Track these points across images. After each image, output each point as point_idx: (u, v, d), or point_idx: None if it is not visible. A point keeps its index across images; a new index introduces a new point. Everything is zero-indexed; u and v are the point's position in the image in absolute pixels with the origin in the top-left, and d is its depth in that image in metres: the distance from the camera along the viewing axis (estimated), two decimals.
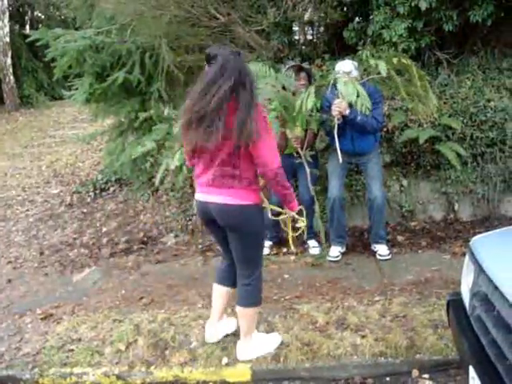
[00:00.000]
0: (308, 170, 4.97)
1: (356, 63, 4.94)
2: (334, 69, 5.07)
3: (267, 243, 5.54)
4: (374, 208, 5.12)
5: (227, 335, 3.81)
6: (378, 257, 5.13)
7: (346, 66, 4.80)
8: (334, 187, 5.11)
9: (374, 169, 5.11)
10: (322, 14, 6.52)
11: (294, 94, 4.91)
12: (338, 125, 4.67)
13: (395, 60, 4.43)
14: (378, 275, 4.79)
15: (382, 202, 5.12)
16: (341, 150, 4.70)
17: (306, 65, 5.37)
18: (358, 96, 4.28)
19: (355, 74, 4.78)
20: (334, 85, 4.74)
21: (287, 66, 5.20)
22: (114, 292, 4.98)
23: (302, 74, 5.13)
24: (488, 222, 5.78)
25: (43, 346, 4.00)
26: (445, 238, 5.51)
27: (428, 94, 4.72)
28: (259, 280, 3.46)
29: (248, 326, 3.52)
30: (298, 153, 5.06)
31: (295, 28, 6.93)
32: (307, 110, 4.48)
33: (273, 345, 3.62)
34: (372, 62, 4.42)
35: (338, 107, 4.65)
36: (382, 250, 5.15)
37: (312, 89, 4.51)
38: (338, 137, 4.68)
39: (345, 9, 6.36)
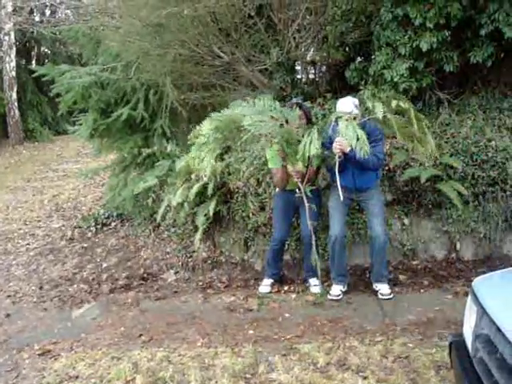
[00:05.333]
0: (307, 205, 4.98)
1: (357, 101, 4.99)
2: (335, 107, 5.11)
3: (268, 281, 5.52)
4: (375, 246, 5.10)
5: None
6: (379, 296, 5.08)
7: (346, 106, 4.84)
8: (336, 225, 5.11)
9: (376, 206, 5.11)
10: (324, 54, 6.62)
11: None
12: (339, 162, 4.71)
13: (394, 103, 4.50)
14: (380, 315, 4.75)
15: (384, 240, 5.11)
16: (342, 186, 4.73)
17: (304, 103, 5.42)
18: (357, 139, 4.34)
19: (356, 111, 4.82)
20: (336, 121, 4.79)
21: (288, 103, 5.26)
22: (113, 329, 4.93)
23: (300, 112, 5.17)
24: (490, 261, 5.74)
25: (40, 383, 3.95)
26: (447, 278, 5.47)
27: (426, 136, 4.77)
28: None
29: None
30: (299, 188, 5.09)
31: (298, 67, 7.01)
32: (310, 154, 4.55)
33: None
34: (369, 104, 4.48)
35: (340, 145, 4.69)
36: (383, 289, 5.11)
37: (315, 133, 4.57)
38: (339, 173, 4.71)
39: (347, 49, 6.45)
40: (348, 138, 4.42)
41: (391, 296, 5.06)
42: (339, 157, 4.71)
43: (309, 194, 5.02)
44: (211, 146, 4.74)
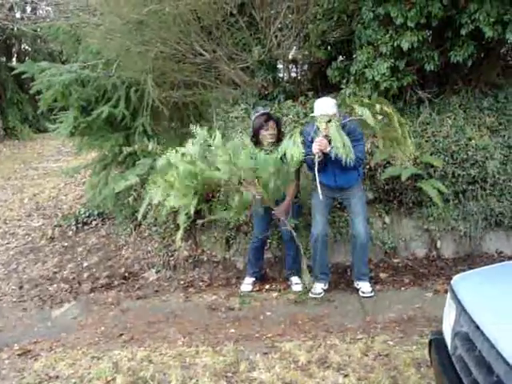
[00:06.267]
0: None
1: (334, 101, 5.01)
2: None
3: (249, 280, 5.51)
4: (356, 245, 5.12)
5: None
6: (360, 294, 5.11)
7: (327, 107, 4.84)
8: (318, 224, 5.12)
9: (358, 205, 5.12)
10: (306, 53, 6.63)
11: (260, 143, 5.13)
12: (319, 161, 4.72)
13: (378, 107, 4.54)
14: (361, 313, 4.77)
15: (366, 238, 5.13)
16: (323, 184, 4.74)
17: (270, 112, 5.46)
18: (343, 146, 4.39)
19: (335, 111, 4.84)
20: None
21: (256, 114, 5.26)
22: (93, 328, 4.90)
23: (271, 123, 5.20)
24: (470, 259, 5.80)
25: (20, 383, 3.91)
26: (427, 275, 5.51)
27: (407, 140, 4.83)
28: None
29: None
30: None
31: (279, 66, 7.02)
32: (298, 160, 4.63)
33: None
34: (357, 109, 4.51)
35: (319, 145, 4.70)
36: (364, 287, 5.14)
37: (298, 137, 4.59)
38: (320, 172, 4.72)
39: (328, 48, 6.46)
40: (333, 142, 4.47)
41: (372, 294, 5.08)
42: (319, 157, 4.73)
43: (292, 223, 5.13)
44: (181, 192, 4.73)
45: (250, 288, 5.44)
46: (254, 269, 5.54)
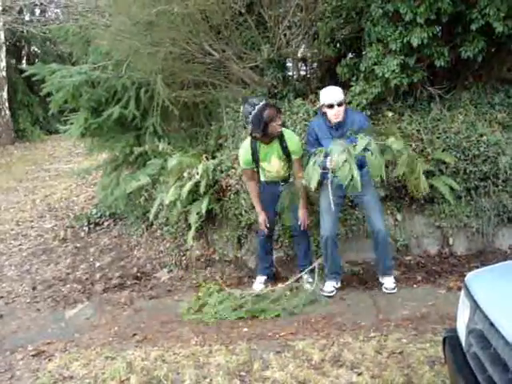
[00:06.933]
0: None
1: (341, 89, 5.10)
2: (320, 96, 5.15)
3: (261, 278, 5.51)
4: (379, 241, 5.08)
5: None
6: (383, 290, 5.08)
7: (336, 95, 4.97)
8: (327, 224, 5.09)
9: (371, 201, 5.11)
10: (316, 51, 6.59)
11: (268, 135, 5.11)
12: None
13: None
14: (374, 310, 4.76)
15: (386, 233, 5.16)
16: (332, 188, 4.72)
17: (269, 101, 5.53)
18: (352, 178, 4.45)
19: (343, 98, 5.00)
20: (324, 114, 4.97)
21: (261, 106, 5.12)
22: (106, 328, 4.92)
23: (279, 114, 5.20)
24: (483, 255, 5.76)
25: None
26: (440, 273, 5.48)
27: (419, 183, 5.04)
28: None
29: None
30: (284, 180, 5.34)
31: (289, 64, 7.00)
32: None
33: None
34: (393, 145, 4.64)
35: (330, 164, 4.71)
36: (388, 283, 5.09)
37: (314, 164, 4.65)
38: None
39: (338, 45, 6.43)
40: (342, 178, 4.55)
41: (395, 291, 5.06)
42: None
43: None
44: None
45: (261, 287, 5.43)
46: (264, 264, 5.53)
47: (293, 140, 5.22)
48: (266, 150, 5.19)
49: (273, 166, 5.26)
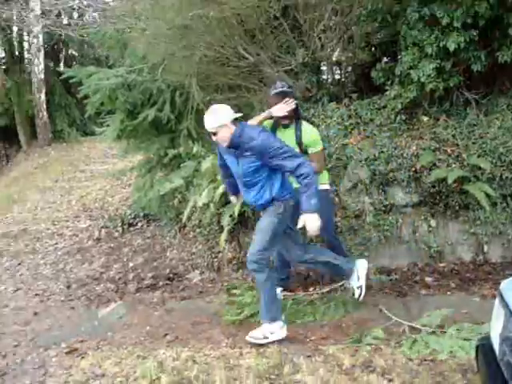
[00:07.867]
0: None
1: (215, 115, 4.33)
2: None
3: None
4: None
5: None
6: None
7: (208, 125, 4.32)
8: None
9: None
10: (350, 55, 6.59)
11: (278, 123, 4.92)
12: None
13: None
14: (406, 317, 4.70)
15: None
16: None
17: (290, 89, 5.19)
18: None
19: (215, 126, 4.28)
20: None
21: (278, 90, 4.90)
22: (138, 328, 4.97)
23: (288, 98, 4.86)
24: None
25: (67, 381, 4.01)
26: (474, 280, 5.40)
27: None
28: None
29: None
30: None
31: (323, 68, 7.00)
32: None
33: None
34: None
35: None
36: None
37: None
38: None
39: (373, 49, 6.42)
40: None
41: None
42: None
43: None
44: None
45: (280, 296, 5.07)
46: (279, 275, 5.21)
47: (307, 131, 4.93)
48: (281, 135, 4.87)
49: None
